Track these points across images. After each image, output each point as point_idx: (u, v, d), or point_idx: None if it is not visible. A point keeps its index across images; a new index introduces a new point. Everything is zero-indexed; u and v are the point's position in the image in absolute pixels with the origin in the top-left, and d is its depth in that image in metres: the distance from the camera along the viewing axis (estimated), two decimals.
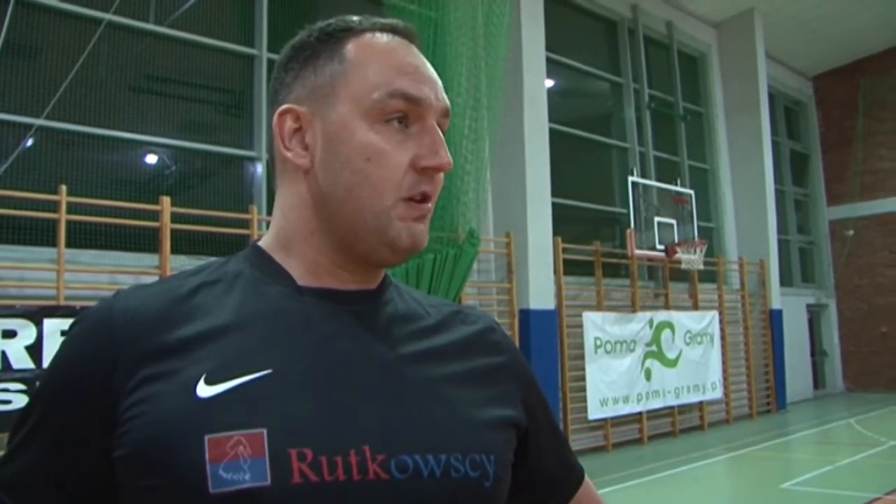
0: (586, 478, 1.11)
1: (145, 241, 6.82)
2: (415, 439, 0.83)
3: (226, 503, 0.75)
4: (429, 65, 0.93)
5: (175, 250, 6.77)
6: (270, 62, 8.25)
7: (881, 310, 17.89)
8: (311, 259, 0.92)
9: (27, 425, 0.85)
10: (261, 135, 8.10)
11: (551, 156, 10.31)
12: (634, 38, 13.53)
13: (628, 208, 11.38)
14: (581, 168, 12.55)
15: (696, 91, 15.23)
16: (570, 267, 10.78)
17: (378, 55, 0.90)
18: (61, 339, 5.45)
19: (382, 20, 0.94)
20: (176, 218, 6.82)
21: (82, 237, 6.51)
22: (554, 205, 10.34)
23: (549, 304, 9.94)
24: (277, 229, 0.94)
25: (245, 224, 7.41)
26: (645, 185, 11.85)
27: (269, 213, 7.77)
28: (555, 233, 10.25)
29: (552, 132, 10.58)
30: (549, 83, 11.04)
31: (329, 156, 0.89)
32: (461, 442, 0.86)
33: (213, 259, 0.97)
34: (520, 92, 9.88)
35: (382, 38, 0.92)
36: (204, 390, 0.79)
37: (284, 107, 0.92)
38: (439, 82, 0.93)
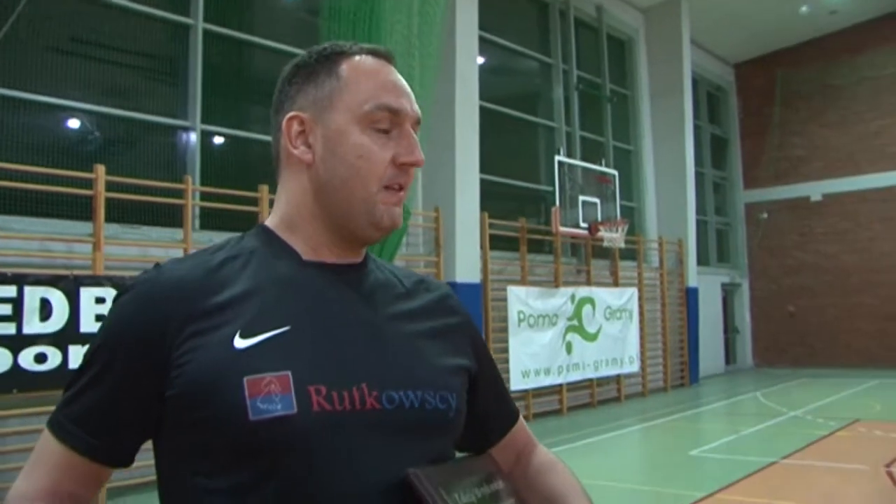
0: (521, 418, 1.37)
1: (79, 209, 6.73)
2: (399, 379, 1.08)
3: (262, 427, 0.97)
4: (404, 81, 1.18)
5: (108, 219, 6.68)
6: (206, 32, 8.23)
7: (789, 290, 18.81)
8: (312, 237, 1.15)
9: (90, 371, 1.06)
10: (195, 105, 8.07)
11: (480, 133, 10.53)
12: (565, 20, 13.83)
13: (554, 186, 11.72)
14: (509, 146, 12.82)
15: (622, 74, 15.64)
16: (496, 242, 11.07)
17: (367, 74, 1.14)
18: None
19: (367, 45, 1.19)
20: (110, 186, 6.72)
21: (11, 203, 6.44)
22: (482, 181, 10.58)
23: (475, 277, 10.22)
24: (282, 213, 1.18)
25: (180, 194, 7.28)
26: (570, 165, 12.19)
27: (203, 183, 7.69)
28: (482, 208, 10.51)
29: (482, 109, 10.79)
30: (481, 60, 11.23)
31: (328, 154, 1.13)
32: (433, 382, 1.12)
33: (231, 236, 1.19)
34: (452, 70, 10.04)
35: (368, 59, 1.17)
36: (240, 343, 1.02)
37: (291, 113, 1.15)
38: (413, 95, 1.18)
